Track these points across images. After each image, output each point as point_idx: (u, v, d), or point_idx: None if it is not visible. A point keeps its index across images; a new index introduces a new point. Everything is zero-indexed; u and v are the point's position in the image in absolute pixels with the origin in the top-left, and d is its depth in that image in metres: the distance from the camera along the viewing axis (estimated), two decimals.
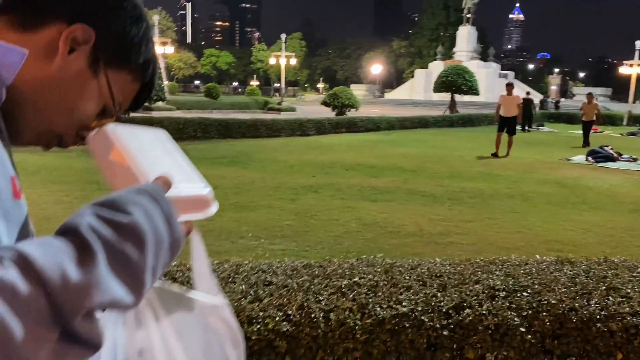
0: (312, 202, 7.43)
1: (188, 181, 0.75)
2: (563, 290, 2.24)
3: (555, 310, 2.09)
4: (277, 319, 1.95)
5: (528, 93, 27.27)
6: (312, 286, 2.18)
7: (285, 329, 1.93)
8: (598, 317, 2.10)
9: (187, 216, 0.69)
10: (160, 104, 23.48)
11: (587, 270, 2.55)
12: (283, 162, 11.32)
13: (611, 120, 31.86)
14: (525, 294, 2.20)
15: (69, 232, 0.55)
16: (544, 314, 2.08)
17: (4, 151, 0.62)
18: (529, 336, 2.03)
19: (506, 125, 13.99)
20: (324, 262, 2.54)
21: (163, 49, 35.48)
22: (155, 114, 20.59)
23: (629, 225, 6.63)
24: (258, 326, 1.92)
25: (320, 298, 2.08)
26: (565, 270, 2.52)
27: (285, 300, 2.05)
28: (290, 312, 1.98)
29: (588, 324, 2.08)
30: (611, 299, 2.21)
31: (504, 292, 2.20)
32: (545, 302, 2.13)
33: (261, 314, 1.96)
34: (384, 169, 10.90)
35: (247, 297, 2.06)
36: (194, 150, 12.86)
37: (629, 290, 2.30)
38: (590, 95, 18.76)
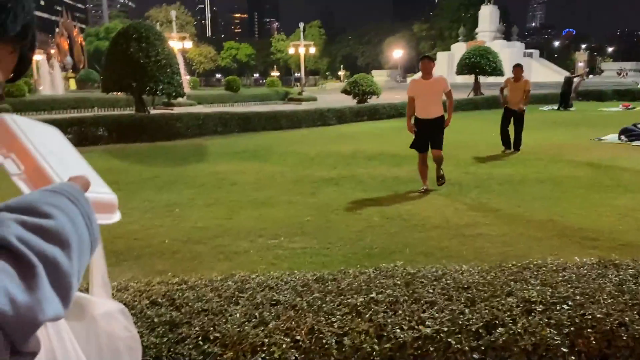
0: (333, 195, 7.21)
1: (98, 185, 0.75)
2: (609, 301, 1.96)
3: (602, 326, 1.83)
4: (284, 346, 1.73)
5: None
6: (324, 305, 1.95)
7: (293, 358, 1.71)
8: None
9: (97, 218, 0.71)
10: (180, 99, 23.42)
11: (635, 274, 2.27)
12: (304, 155, 11.10)
13: None
14: (565, 306, 1.93)
15: None
16: (589, 330, 1.82)
17: None
18: (572, 357, 1.78)
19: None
20: (337, 274, 2.31)
21: (182, 44, 35.42)
22: (176, 109, 20.57)
23: None
24: (263, 355, 1.71)
25: (333, 319, 1.86)
26: (610, 276, 2.24)
27: (293, 323, 1.83)
28: (299, 337, 1.77)
29: None
30: None
31: (541, 306, 1.94)
32: (590, 317, 1.86)
33: (266, 340, 1.75)
34: (407, 157, 10.55)
35: (252, 322, 1.85)
36: (213, 146, 12.74)
37: None
38: (519, 68, 11.17)
